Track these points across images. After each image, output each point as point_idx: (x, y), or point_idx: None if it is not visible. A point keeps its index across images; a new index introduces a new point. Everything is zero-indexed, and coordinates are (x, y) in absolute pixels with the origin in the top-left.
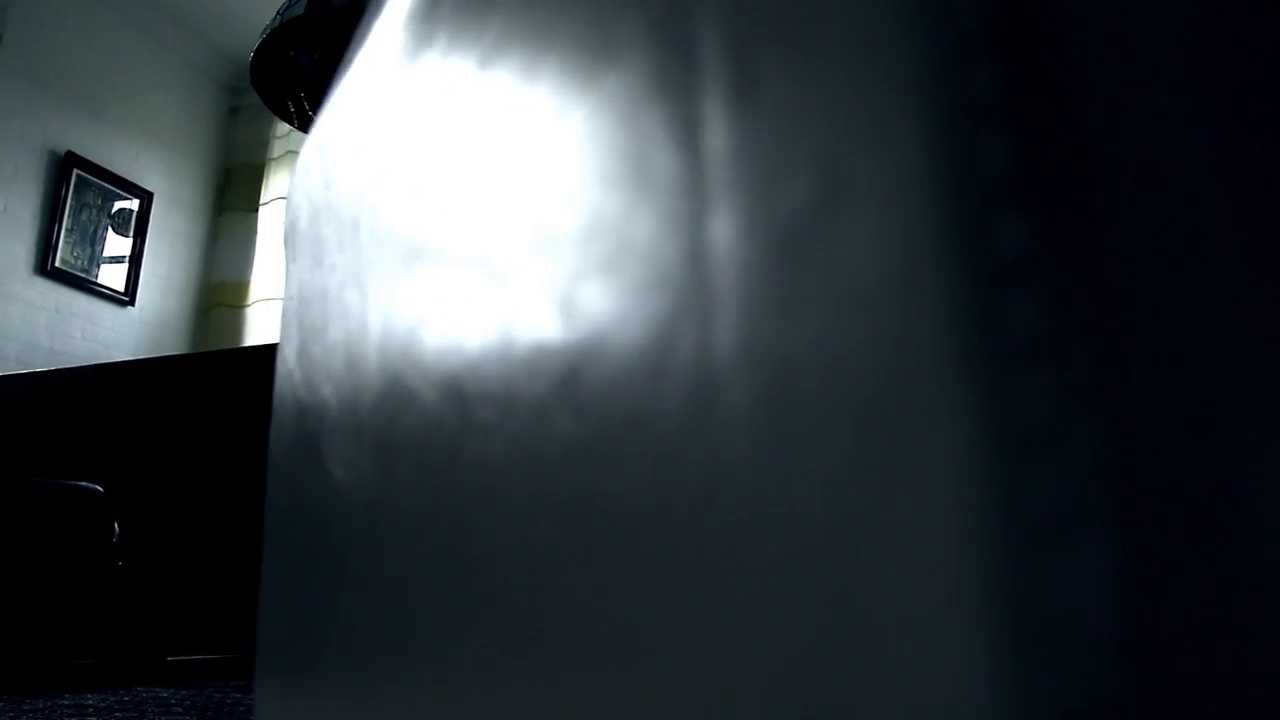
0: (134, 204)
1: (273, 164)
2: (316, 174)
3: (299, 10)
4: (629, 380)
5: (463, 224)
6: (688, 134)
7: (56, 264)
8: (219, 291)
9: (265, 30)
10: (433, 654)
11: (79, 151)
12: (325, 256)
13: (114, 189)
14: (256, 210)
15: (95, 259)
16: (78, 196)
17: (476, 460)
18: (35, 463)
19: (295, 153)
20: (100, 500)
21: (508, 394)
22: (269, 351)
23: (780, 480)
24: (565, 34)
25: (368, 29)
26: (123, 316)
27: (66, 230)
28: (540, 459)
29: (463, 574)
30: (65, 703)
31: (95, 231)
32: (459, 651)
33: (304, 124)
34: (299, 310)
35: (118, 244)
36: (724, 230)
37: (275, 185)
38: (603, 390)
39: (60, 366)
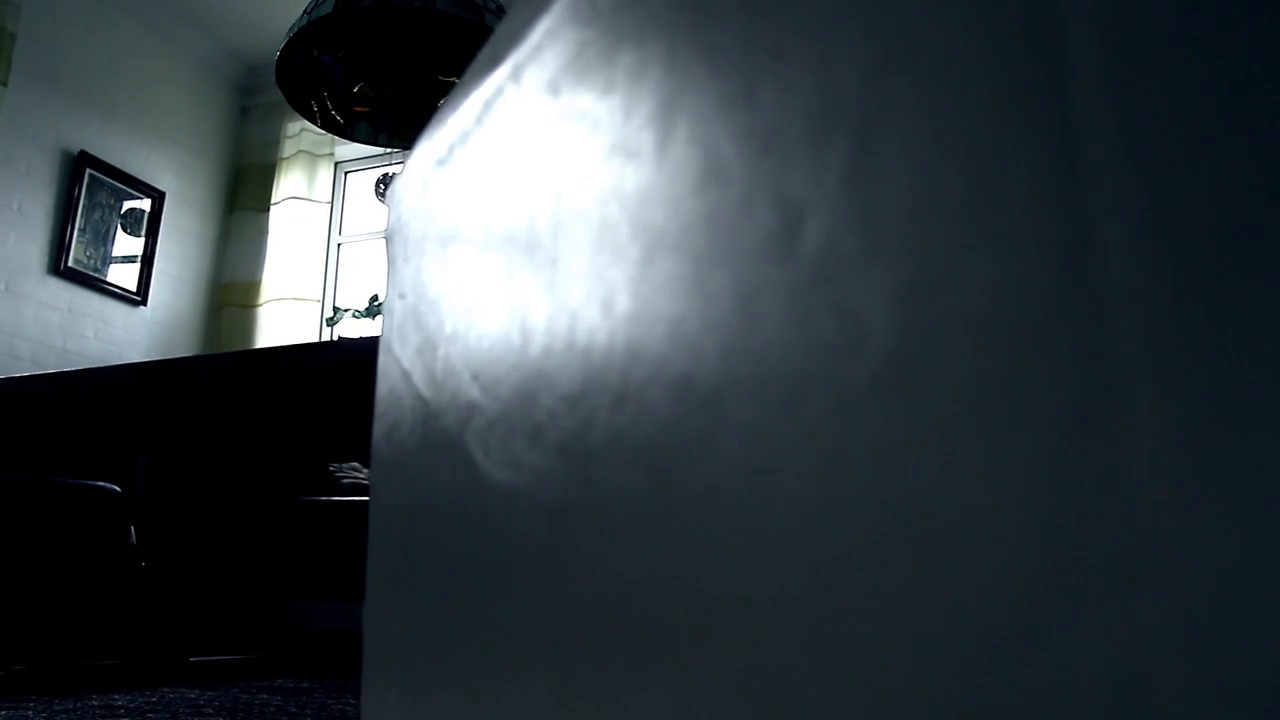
0: (145, 204)
1: (284, 163)
2: (436, 184)
3: (326, 9)
4: (977, 384)
5: (710, 224)
6: (1065, 142)
7: (69, 264)
8: (230, 291)
9: (292, 29)
10: (658, 665)
11: (92, 151)
12: (452, 260)
13: (126, 188)
14: (267, 210)
15: (107, 259)
16: (90, 196)
17: (736, 464)
18: (53, 463)
19: (307, 152)
20: (117, 500)
21: (799, 391)
22: (292, 352)
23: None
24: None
25: (511, 44)
26: (135, 316)
27: (79, 230)
28: (841, 459)
29: (708, 581)
30: (95, 703)
31: (107, 231)
32: (703, 665)
33: (327, 123)
34: (414, 311)
35: (128, 244)
36: (1119, 246)
37: (286, 185)
38: (940, 392)
39: (73, 366)
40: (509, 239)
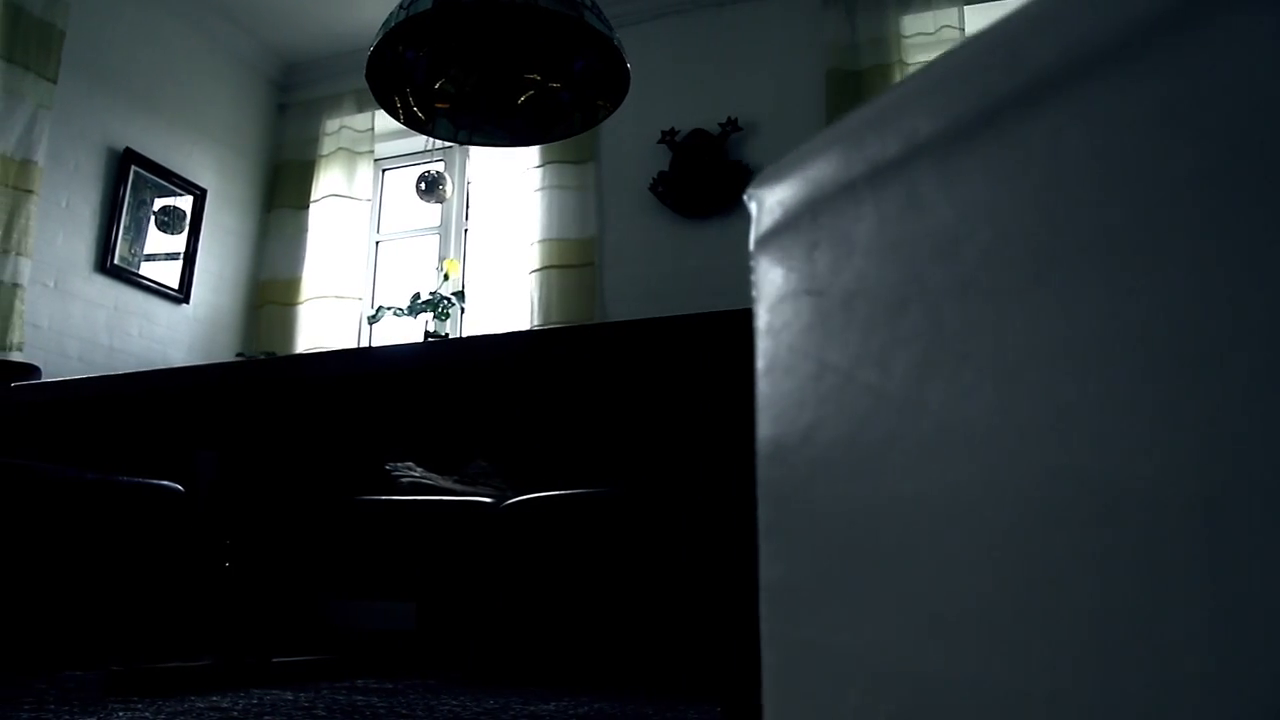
0: (183, 201)
1: (323, 161)
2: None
3: (425, 5)
4: None
5: None
6: None
7: (115, 261)
8: (269, 289)
9: (389, 23)
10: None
11: (137, 148)
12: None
13: (170, 186)
14: (306, 207)
15: (150, 256)
16: (135, 193)
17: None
18: (107, 460)
19: (347, 150)
20: (181, 499)
21: None
22: (373, 353)
23: None
24: None
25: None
26: (177, 314)
27: (124, 228)
28: None
29: None
30: (199, 705)
31: (150, 228)
32: None
33: (409, 119)
34: (845, 315)
35: (166, 241)
36: None
37: (326, 182)
38: None
39: (120, 364)
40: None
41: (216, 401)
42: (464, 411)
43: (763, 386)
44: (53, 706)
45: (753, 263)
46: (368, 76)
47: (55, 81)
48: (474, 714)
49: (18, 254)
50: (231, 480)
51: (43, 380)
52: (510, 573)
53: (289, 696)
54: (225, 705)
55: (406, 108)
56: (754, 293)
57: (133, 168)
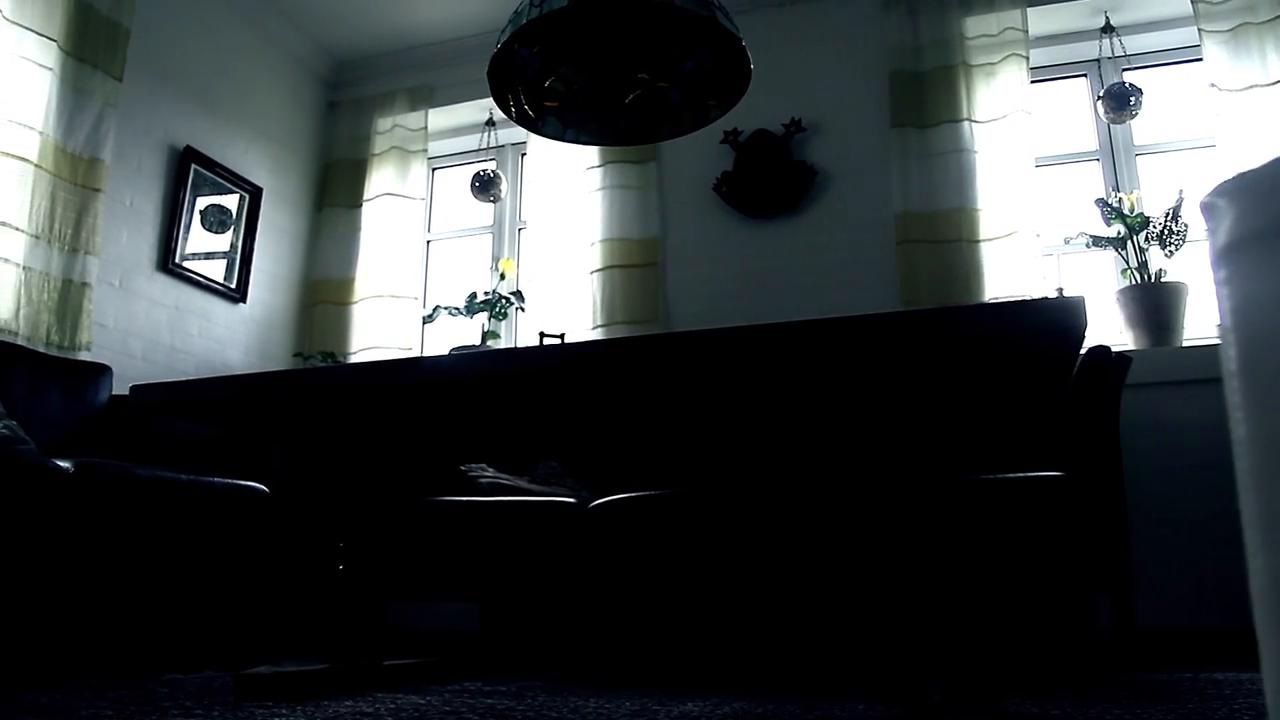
0: (229, 199)
1: (375, 159)
2: None
3: (560, 3)
4: None
5: None
6: None
7: (176, 261)
8: (322, 288)
9: (518, 19)
10: None
11: (197, 146)
12: None
13: (228, 184)
14: (359, 206)
15: (209, 255)
16: (195, 192)
17: None
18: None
19: (400, 148)
20: (265, 500)
21: None
22: (509, 355)
23: None
24: None
25: None
26: (234, 314)
27: (184, 227)
28: None
29: None
30: (332, 710)
31: (225, 227)
32: None
33: (521, 118)
34: None
35: (211, 240)
36: None
37: (379, 181)
38: None
39: (181, 364)
40: None
41: (312, 405)
42: (535, 413)
43: (1237, 384)
44: (201, 712)
45: (1220, 268)
46: (489, 73)
47: (121, 80)
48: (621, 715)
49: (86, 253)
50: (338, 482)
51: (166, 381)
52: (601, 573)
53: (421, 701)
54: (367, 710)
55: (518, 106)
56: (1221, 295)
57: (193, 166)
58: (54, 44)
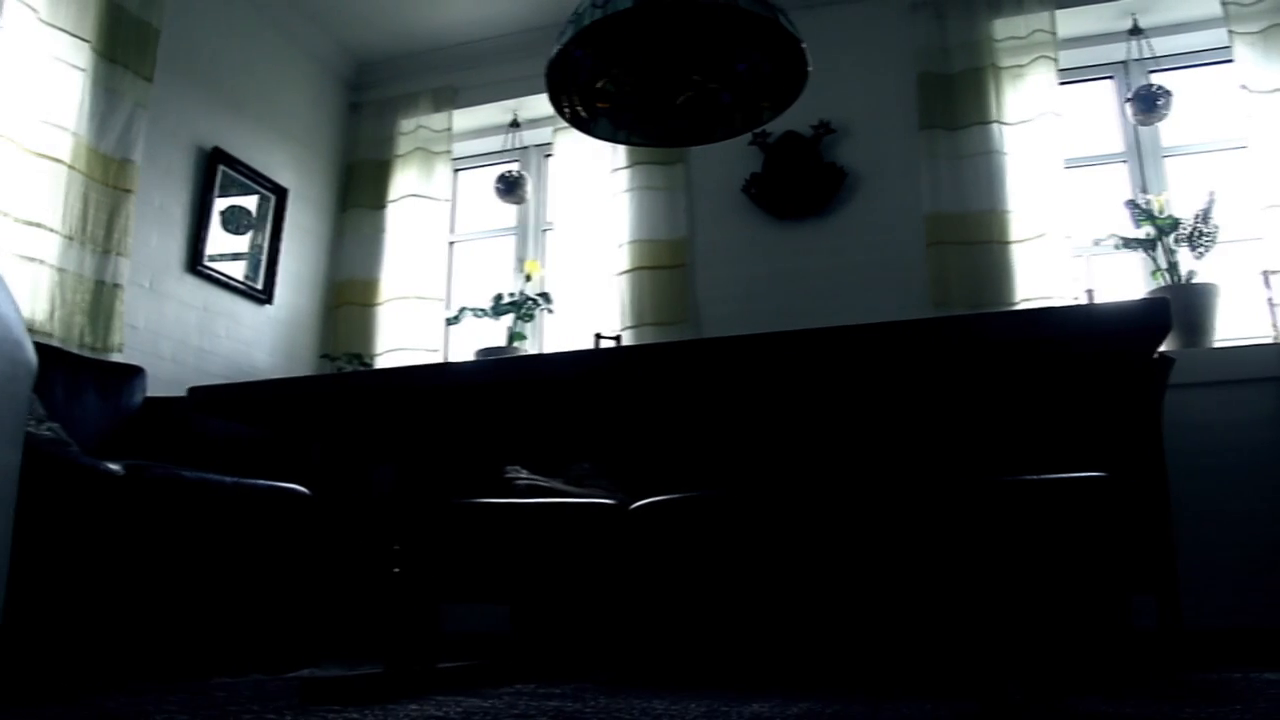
0: (249, 200)
1: (399, 161)
2: None
3: (625, 4)
4: None
5: None
6: None
7: (205, 262)
8: (347, 289)
9: (580, 20)
10: None
11: (224, 147)
12: None
13: (255, 185)
14: (383, 207)
15: (235, 256)
16: (222, 193)
17: None
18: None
19: (424, 149)
20: (308, 502)
21: None
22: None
23: None
24: None
25: None
26: (260, 315)
27: (211, 227)
28: None
29: None
30: (403, 713)
31: (236, 228)
32: None
33: (574, 120)
34: None
35: (230, 241)
36: None
37: (403, 182)
38: None
39: (209, 366)
40: None
41: (351, 407)
42: (568, 416)
43: None
44: (272, 717)
45: None
46: (548, 75)
47: (151, 80)
48: (691, 716)
49: (118, 254)
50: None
51: (227, 384)
52: (647, 573)
53: (484, 704)
54: (435, 714)
55: (573, 107)
56: None
57: (220, 167)
58: (86, 44)
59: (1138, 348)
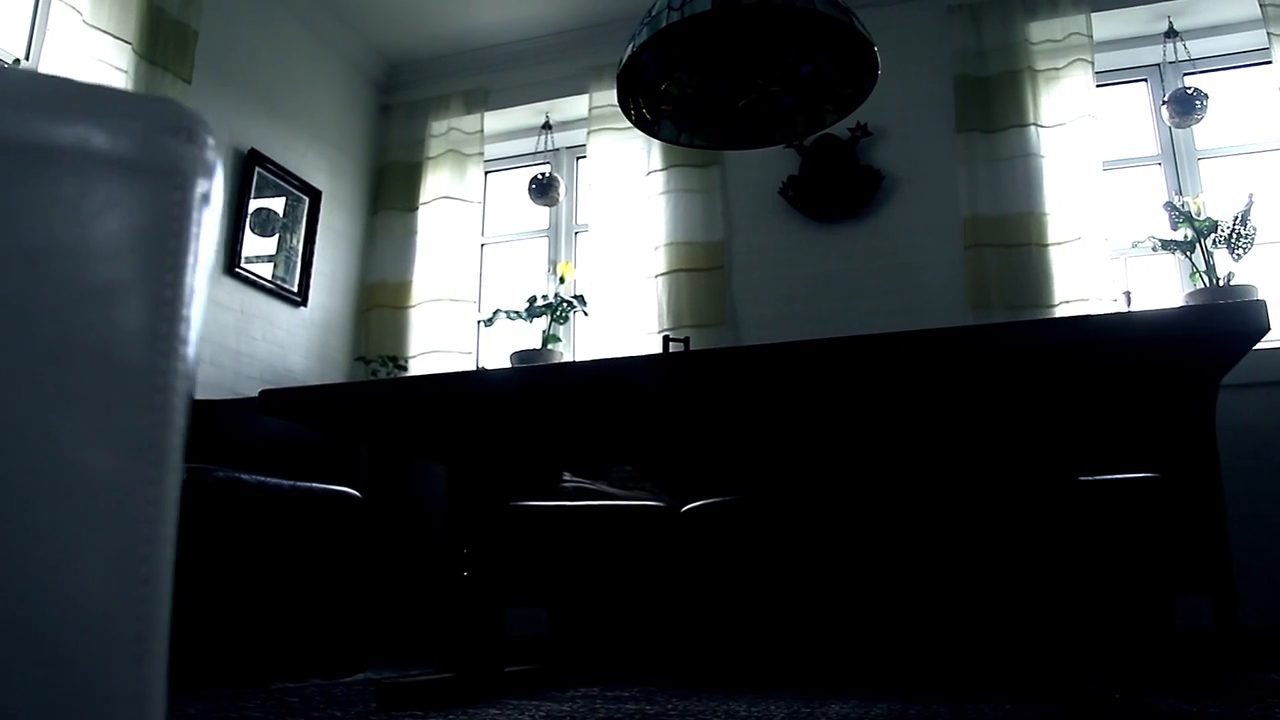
0: (276, 202)
1: (430, 163)
2: None
3: (703, 6)
4: None
5: None
6: None
7: (242, 264)
8: (379, 292)
9: (657, 22)
10: None
11: (260, 149)
12: None
13: (290, 187)
14: (415, 210)
15: (269, 258)
16: (258, 195)
17: None
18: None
19: (456, 151)
20: (359, 505)
21: None
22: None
23: None
24: None
25: None
26: (295, 317)
27: (249, 229)
28: None
29: None
30: (493, 716)
31: (271, 230)
32: None
33: (639, 122)
34: None
35: (263, 243)
36: None
37: (435, 184)
38: None
39: (247, 368)
40: None
41: (395, 411)
42: (610, 419)
43: None
44: None
45: None
46: (620, 76)
47: (190, 82)
48: (775, 717)
49: None
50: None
51: (297, 386)
52: (701, 574)
53: (560, 708)
54: (516, 718)
55: (638, 109)
56: None
57: (256, 169)
58: (129, 46)
59: (1235, 348)
